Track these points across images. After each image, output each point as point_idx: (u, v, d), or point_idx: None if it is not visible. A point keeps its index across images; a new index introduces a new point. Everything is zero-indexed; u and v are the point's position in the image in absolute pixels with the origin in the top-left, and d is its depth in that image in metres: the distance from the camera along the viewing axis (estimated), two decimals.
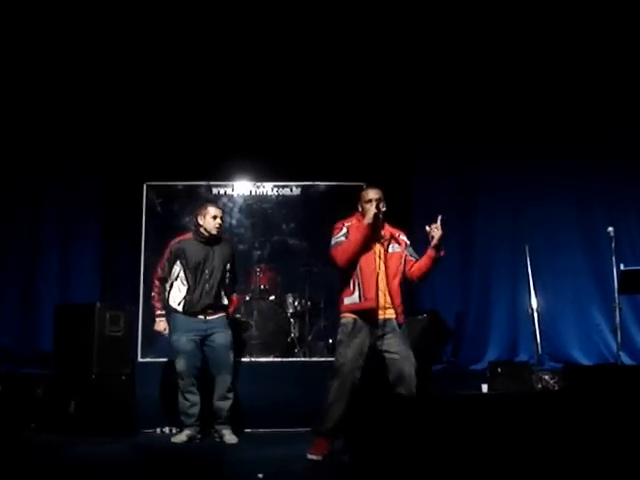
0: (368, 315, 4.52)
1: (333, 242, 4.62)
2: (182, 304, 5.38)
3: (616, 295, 6.06)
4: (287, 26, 7.06)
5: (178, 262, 5.43)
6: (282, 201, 7.55)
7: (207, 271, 5.39)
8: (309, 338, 7.00)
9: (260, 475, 3.91)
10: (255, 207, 7.58)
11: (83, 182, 7.43)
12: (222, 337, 5.39)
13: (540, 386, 5.92)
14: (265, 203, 7.58)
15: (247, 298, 7.02)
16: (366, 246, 4.55)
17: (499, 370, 6.08)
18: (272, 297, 7.09)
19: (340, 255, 4.56)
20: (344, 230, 4.60)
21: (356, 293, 4.55)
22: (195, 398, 5.35)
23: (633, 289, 6.23)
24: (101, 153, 7.41)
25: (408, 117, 7.54)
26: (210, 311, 5.40)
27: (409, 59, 7.34)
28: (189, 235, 5.54)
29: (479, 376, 6.24)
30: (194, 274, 5.38)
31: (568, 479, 2.69)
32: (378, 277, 4.54)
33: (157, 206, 7.45)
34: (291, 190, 7.57)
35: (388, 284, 4.57)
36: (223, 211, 5.81)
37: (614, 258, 6.09)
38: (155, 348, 6.91)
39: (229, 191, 7.59)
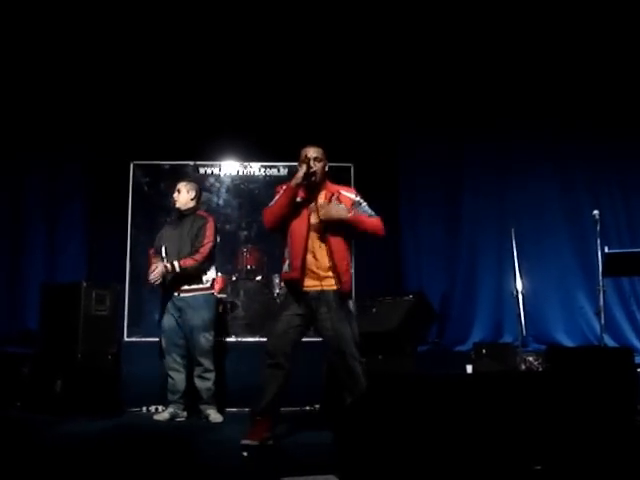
0: (296, 286, 4.20)
1: (269, 205, 4.35)
2: (164, 281, 5.38)
3: (600, 278, 6.09)
4: (278, 8, 7.01)
5: (163, 247, 5.43)
6: (269, 181, 7.53)
7: (176, 246, 5.38)
8: None
9: (244, 454, 3.93)
10: (242, 187, 7.57)
11: (69, 160, 7.38)
12: (195, 318, 5.34)
13: (524, 367, 5.96)
14: (252, 183, 7.57)
15: (233, 278, 7.03)
16: (297, 209, 4.24)
17: (484, 351, 6.12)
18: (258, 277, 7.10)
19: (267, 217, 4.29)
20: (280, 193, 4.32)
21: (287, 262, 4.28)
22: (178, 375, 5.36)
23: (617, 272, 6.27)
24: (87, 132, 7.37)
25: (396, 99, 7.54)
26: (181, 287, 5.36)
27: (397, 40, 7.32)
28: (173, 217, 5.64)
29: (464, 357, 6.28)
30: (167, 252, 5.37)
31: (551, 457, 2.72)
32: (310, 245, 4.19)
33: (144, 185, 7.43)
34: (278, 170, 7.56)
35: (329, 249, 4.18)
36: (199, 187, 5.74)
37: (599, 241, 6.11)
38: (141, 328, 6.93)
39: (216, 171, 7.57)
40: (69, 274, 6.96)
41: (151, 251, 5.64)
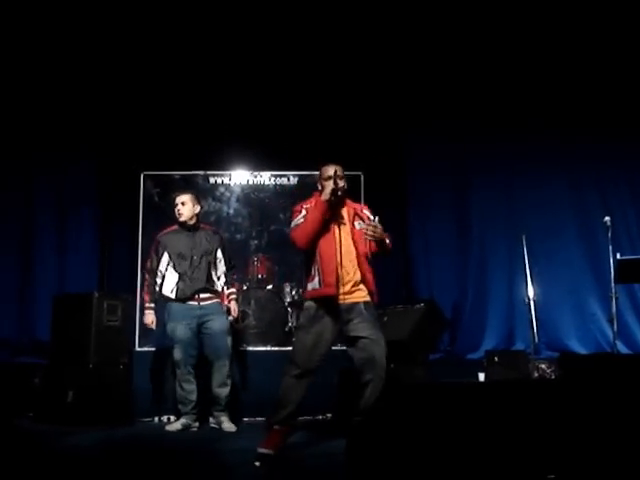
0: (329, 302, 4.24)
1: (292, 225, 4.39)
2: (175, 291, 5.42)
3: (612, 284, 6.07)
4: (284, 17, 7.03)
5: (166, 253, 5.50)
6: (279, 190, 7.55)
7: (195, 257, 5.45)
8: None
9: (257, 463, 3.92)
10: (252, 196, 7.58)
11: (80, 172, 7.42)
12: (218, 323, 5.41)
13: (537, 375, 5.93)
14: (262, 192, 7.59)
15: (244, 287, 7.04)
16: (325, 226, 4.28)
17: (496, 359, 6.08)
18: (269, 286, 7.10)
19: (299, 236, 4.32)
20: (303, 212, 4.35)
21: (316, 279, 4.29)
22: (191, 387, 5.37)
23: (629, 278, 6.25)
24: (98, 143, 7.41)
25: (403, 106, 7.55)
26: (203, 296, 5.43)
27: (402, 45, 7.32)
28: (175, 226, 5.61)
29: (476, 365, 6.25)
30: (183, 261, 5.44)
31: (564, 466, 2.70)
32: (340, 260, 4.23)
33: (154, 196, 7.45)
34: (288, 179, 7.57)
35: (359, 263, 4.31)
36: (194, 194, 5.75)
37: (611, 247, 6.09)
38: (152, 337, 6.93)
39: (226, 180, 7.59)
40: (80, 285, 6.98)
41: (146, 271, 5.66)
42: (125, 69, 7.29)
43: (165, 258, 5.50)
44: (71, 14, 6.95)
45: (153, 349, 6.50)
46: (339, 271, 4.24)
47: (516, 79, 7.43)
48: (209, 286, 5.47)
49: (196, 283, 5.40)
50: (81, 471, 3.85)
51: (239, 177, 7.59)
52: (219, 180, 7.58)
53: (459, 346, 7.17)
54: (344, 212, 4.41)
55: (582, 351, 6.95)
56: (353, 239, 4.34)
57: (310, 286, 4.35)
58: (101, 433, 5.11)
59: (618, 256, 6.08)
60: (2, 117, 7.15)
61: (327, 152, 7.08)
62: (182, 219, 5.52)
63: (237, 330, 6.38)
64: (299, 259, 7.03)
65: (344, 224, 4.36)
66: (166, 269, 5.49)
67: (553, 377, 5.92)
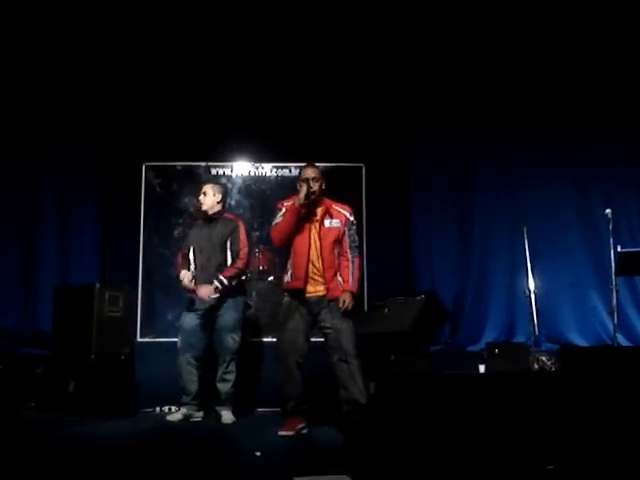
0: (299, 294, 4.71)
1: (273, 223, 4.83)
2: (193, 283, 5.42)
3: (613, 277, 6.08)
4: (286, 9, 7.01)
5: (190, 245, 5.58)
6: (281, 182, 7.53)
7: (206, 249, 5.47)
8: None
9: (258, 453, 3.94)
10: (254, 188, 7.57)
11: (81, 162, 7.39)
12: (224, 319, 5.40)
13: (537, 367, 5.94)
14: (264, 184, 7.57)
15: (243, 279, 7.03)
16: (300, 225, 4.70)
17: (496, 351, 6.10)
18: (271, 278, 7.12)
19: (275, 236, 4.80)
20: (283, 210, 4.76)
21: (289, 272, 4.79)
22: (191, 377, 5.38)
23: (630, 271, 6.25)
24: (99, 133, 7.38)
25: (407, 98, 7.52)
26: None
27: (407, 41, 7.30)
28: (200, 220, 5.68)
29: (477, 357, 6.27)
30: (199, 254, 5.50)
31: (563, 457, 2.71)
32: (310, 256, 4.69)
33: (156, 187, 7.44)
34: (290, 171, 7.56)
35: (322, 259, 4.71)
36: (225, 188, 5.87)
37: (612, 240, 6.10)
38: (154, 328, 6.95)
39: (228, 172, 7.57)
40: (82, 275, 6.98)
41: (179, 259, 5.65)
42: (126, 61, 7.27)
43: (191, 249, 5.56)
44: (69, 10, 6.94)
45: (155, 340, 6.53)
46: (309, 266, 4.69)
47: (520, 79, 7.41)
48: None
49: (205, 275, 5.41)
50: (82, 461, 3.86)
51: (241, 168, 7.58)
52: (221, 171, 7.56)
53: (460, 338, 7.17)
54: (319, 211, 4.79)
55: (583, 343, 6.96)
56: (319, 237, 4.72)
57: (285, 278, 4.86)
58: (103, 423, 5.13)
59: (619, 249, 6.09)
60: (1, 110, 7.14)
61: (329, 144, 7.17)
62: (204, 208, 5.57)
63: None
64: None
65: (317, 222, 4.76)
66: (193, 260, 5.54)
67: (553, 369, 5.93)
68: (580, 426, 2.77)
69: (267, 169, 7.56)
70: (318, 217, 4.76)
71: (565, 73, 7.40)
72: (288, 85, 7.32)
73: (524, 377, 3.34)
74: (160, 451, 4.25)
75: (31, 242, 7.25)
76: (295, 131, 7.24)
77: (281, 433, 4.62)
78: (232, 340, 5.42)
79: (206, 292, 5.32)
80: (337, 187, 5.62)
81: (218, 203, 5.59)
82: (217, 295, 5.34)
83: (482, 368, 6.00)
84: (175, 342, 5.54)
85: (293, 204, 4.67)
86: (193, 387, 5.39)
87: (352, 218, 4.87)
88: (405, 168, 7.57)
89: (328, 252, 4.71)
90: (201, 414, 5.46)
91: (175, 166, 7.51)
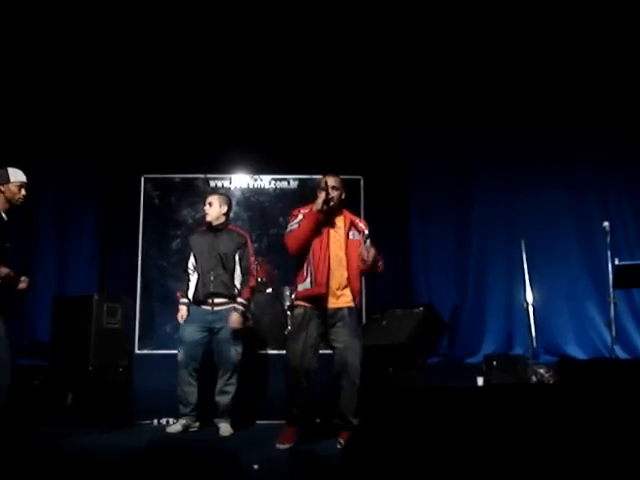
0: (319, 302, 4.58)
1: (288, 229, 4.73)
2: (192, 293, 5.46)
3: (611, 290, 6.09)
4: (284, 19, 7.04)
5: (192, 254, 5.57)
6: (279, 194, 7.55)
7: (211, 260, 5.45)
8: None
9: (255, 466, 3.94)
10: (253, 200, 7.58)
11: (80, 174, 7.43)
12: (226, 332, 5.39)
13: (535, 379, 5.95)
14: (262, 196, 7.59)
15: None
16: (317, 232, 4.60)
17: (494, 363, 6.10)
18: (269, 290, 7.12)
19: (291, 242, 4.66)
20: (299, 217, 4.67)
21: (308, 279, 4.60)
22: (191, 389, 5.39)
23: (628, 284, 6.26)
24: (98, 145, 7.41)
25: (405, 111, 7.55)
26: (217, 301, 5.43)
27: (405, 52, 7.33)
28: (204, 227, 5.66)
29: (475, 369, 6.27)
30: (201, 263, 5.48)
31: (562, 471, 2.72)
32: (330, 263, 4.57)
33: (155, 198, 7.45)
34: (288, 183, 7.57)
35: (348, 270, 4.61)
36: (230, 200, 5.86)
37: (609, 252, 6.11)
38: (152, 340, 6.95)
39: (226, 184, 7.59)
40: (80, 287, 6.99)
41: (179, 294, 5.64)
42: (126, 73, 7.30)
43: (192, 258, 5.55)
44: (72, 17, 6.95)
45: (153, 352, 6.52)
46: (330, 273, 4.57)
47: (516, 85, 7.43)
48: (224, 290, 5.44)
49: (209, 287, 5.42)
50: (80, 473, 3.86)
51: (239, 180, 7.60)
52: (219, 183, 7.57)
53: (458, 350, 7.17)
54: (340, 221, 4.73)
55: (580, 356, 6.96)
56: (346, 247, 4.65)
57: (301, 287, 4.67)
58: (100, 435, 5.13)
59: (617, 261, 6.10)
60: (1, 120, 7.15)
61: (327, 156, 7.19)
62: (208, 219, 5.56)
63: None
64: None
65: (337, 232, 4.68)
66: (193, 269, 5.54)
67: (551, 382, 5.93)
68: (578, 439, 2.77)
69: (266, 181, 7.58)
70: (340, 228, 4.69)
71: (565, 80, 7.41)
72: (287, 98, 7.35)
73: (522, 389, 3.33)
74: (158, 463, 4.24)
75: (29, 253, 7.24)
76: (294, 143, 7.26)
77: (280, 447, 4.57)
78: (235, 352, 5.42)
79: (237, 321, 5.40)
80: None
81: (223, 215, 5.60)
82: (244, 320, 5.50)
83: (480, 380, 5.99)
84: (173, 354, 5.54)
85: (310, 210, 4.60)
86: (192, 398, 5.39)
87: (367, 232, 4.82)
88: (403, 181, 7.60)
89: (355, 266, 4.64)
90: (198, 424, 5.46)
91: (174, 178, 7.53)
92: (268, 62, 7.26)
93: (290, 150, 7.28)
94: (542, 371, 6.02)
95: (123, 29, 7.05)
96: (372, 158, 7.45)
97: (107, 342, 5.70)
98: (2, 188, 4.77)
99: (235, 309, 5.40)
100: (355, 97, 7.39)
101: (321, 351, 4.80)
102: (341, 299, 4.61)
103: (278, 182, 7.58)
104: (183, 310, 5.51)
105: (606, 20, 7.10)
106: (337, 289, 4.60)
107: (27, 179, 4.94)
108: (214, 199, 5.58)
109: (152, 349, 6.78)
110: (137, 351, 6.89)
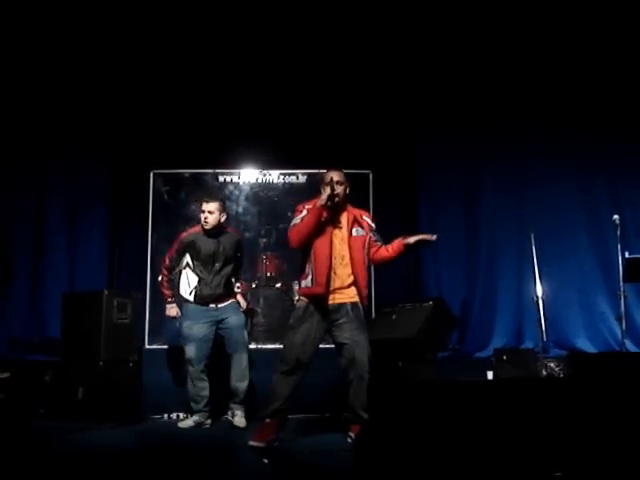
0: (319, 300, 4.52)
1: (291, 224, 4.68)
2: (193, 294, 5.49)
3: (621, 283, 6.06)
4: (292, 14, 7.04)
5: (187, 254, 5.54)
6: (288, 189, 7.56)
7: (217, 264, 5.49)
8: None
9: (266, 460, 3.95)
10: (261, 195, 7.59)
11: (90, 170, 7.45)
12: (235, 319, 5.51)
13: (545, 373, 5.93)
14: (271, 191, 7.60)
15: (253, 286, 7.06)
16: (320, 229, 4.53)
17: (504, 357, 6.09)
18: (278, 285, 7.14)
19: (293, 236, 4.60)
20: (303, 212, 4.60)
21: (309, 277, 4.55)
22: (204, 384, 5.42)
23: (638, 277, 6.23)
24: (107, 141, 7.44)
25: (414, 105, 7.54)
26: (218, 301, 5.52)
27: (414, 46, 7.32)
28: (199, 228, 5.59)
29: (484, 363, 6.26)
30: (205, 266, 5.48)
31: (574, 465, 2.71)
32: (332, 262, 4.51)
33: (164, 194, 7.47)
34: (297, 178, 7.58)
35: (352, 268, 4.55)
36: (222, 202, 5.73)
37: (619, 246, 6.08)
38: (162, 335, 6.97)
39: (235, 179, 7.60)
40: (90, 282, 7.01)
41: (164, 267, 5.63)
42: (134, 68, 7.32)
43: (186, 259, 5.55)
44: (81, 15, 6.98)
45: (163, 347, 6.54)
46: (330, 273, 4.51)
47: (527, 80, 7.40)
48: (227, 291, 5.55)
49: (215, 289, 5.47)
50: (91, 468, 3.87)
51: (248, 175, 7.61)
52: (228, 178, 7.59)
53: (468, 344, 7.16)
54: (343, 217, 4.66)
55: (591, 350, 6.93)
56: (349, 244, 4.58)
57: (303, 283, 4.63)
58: (111, 430, 5.15)
59: (627, 255, 6.07)
60: (12, 117, 7.18)
61: (336, 150, 7.19)
62: (207, 227, 5.50)
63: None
64: None
65: (341, 229, 4.61)
66: (184, 268, 5.55)
67: (562, 376, 5.92)
68: (588, 433, 2.76)
69: (274, 176, 7.59)
70: (343, 224, 4.62)
71: (574, 75, 7.37)
72: (295, 93, 7.35)
73: (532, 383, 3.32)
74: (170, 458, 4.26)
75: (39, 249, 7.28)
76: (302, 138, 7.26)
77: (251, 443, 4.41)
78: (246, 337, 5.57)
79: (244, 302, 5.72)
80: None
81: (220, 221, 5.60)
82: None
83: (490, 374, 5.98)
84: (183, 349, 5.54)
85: (314, 205, 4.53)
86: (206, 394, 5.43)
87: (373, 225, 4.76)
88: (412, 175, 7.59)
89: (361, 263, 4.60)
90: (209, 421, 5.48)
91: (183, 173, 7.55)
92: (277, 58, 7.26)
93: (299, 145, 7.28)
94: (552, 365, 6.00)
95: (132, 26, 7.07)
96: (381, 152, 7.45)
97: (117, 337, 5.71)
98: None
99: (238, 293, 5.69)
100: (364, 91, 7.38)
101: (326, 345, 4.80)
102: (344, 295, 4.56)
103: (287, 177, 7.59)
104: (175, 308, 5.60)
105: (620, 18, 7.08)
106: (340, 288, 4.55)
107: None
108: (214, 208, 5.47)
109: (162, 344, 6.80)
110: (147, 346, 6.93)
